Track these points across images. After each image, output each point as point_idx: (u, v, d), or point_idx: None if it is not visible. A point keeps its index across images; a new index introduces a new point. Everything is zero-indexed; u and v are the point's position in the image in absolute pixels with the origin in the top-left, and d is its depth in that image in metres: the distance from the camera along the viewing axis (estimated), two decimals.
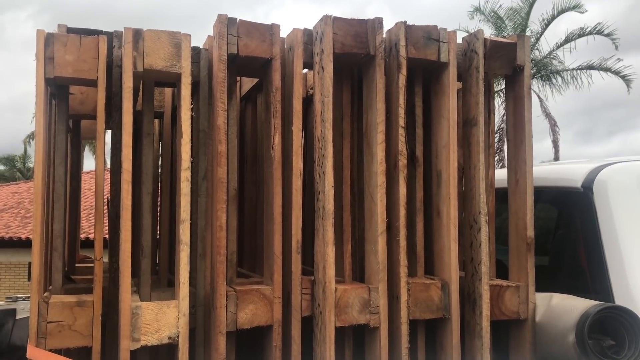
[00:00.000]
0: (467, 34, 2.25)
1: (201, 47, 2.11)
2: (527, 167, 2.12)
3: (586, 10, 17.91)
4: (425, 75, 2.18)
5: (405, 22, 2.03)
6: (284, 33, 2.09)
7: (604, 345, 1.80)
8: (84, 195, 13.75)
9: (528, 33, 17.88)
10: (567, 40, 17.90)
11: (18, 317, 3.45)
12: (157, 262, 2.73)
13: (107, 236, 2.30)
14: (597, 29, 17.41)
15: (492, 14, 18.69)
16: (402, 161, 2.00)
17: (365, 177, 2.06)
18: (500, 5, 18.60)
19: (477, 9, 18.67)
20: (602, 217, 2.05)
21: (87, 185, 14.24)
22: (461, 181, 2.25)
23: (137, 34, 1.83)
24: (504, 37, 3.71)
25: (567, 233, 2.36)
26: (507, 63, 2.16)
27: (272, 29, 2.00)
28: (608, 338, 1.82)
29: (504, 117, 15.23)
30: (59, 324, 1.80)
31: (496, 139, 14.07)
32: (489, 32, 17.78)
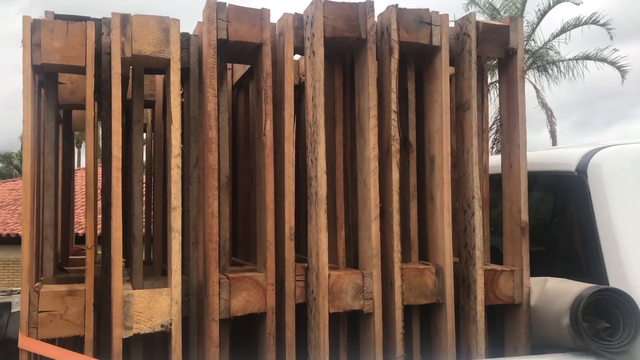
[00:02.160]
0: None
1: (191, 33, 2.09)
2: (521, 151, 2.11)
3: (582, 2, 17.88)
4: (417, 59, 2.16)
5: (396, 5, 2.01)
6: (276, 18, 2.07)
7: (598, 327, 1.79)
8: (82, 192, 13.72)
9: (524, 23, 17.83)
10: (563, 30, 17.87)
11: (13, 310, 3.44)
12: (152, 252, 2.71)
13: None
14: (592, 19, 17.38)
15: (487, 5, 18.63)
16: (395, 146, 1.99)
17: (358, 163, 2.05)
18: None
19: (472, 1, 18.61)
20: (596, 200, 2.04)
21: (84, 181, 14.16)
22: (454, 167, 2.24)
23: (125, 19, 1.81)
24: None
25: (561, 217, 2.35)
26: (500, 46, 2.14)
27: (262, 13, 1.98)
28: (602, 320, 1.81)
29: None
30: (51, 314, 1.78)
31: (493, 130, 14.03)
32: None
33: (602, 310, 1.82)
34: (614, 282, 1.91)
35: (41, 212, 2.01)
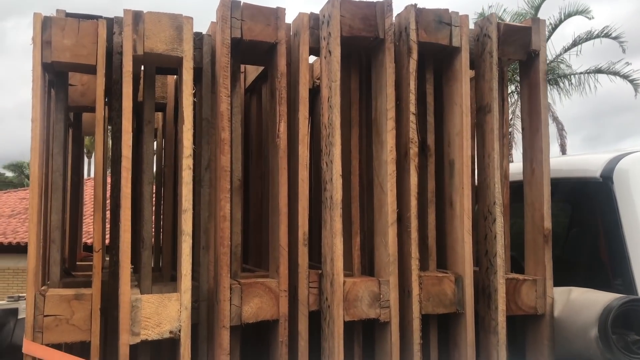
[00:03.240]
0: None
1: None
2: (544, 155, 2.03)
3: (592, 17, 17.75)
4: (436, 61, 2.10)
5: (415, 5, 1.96)
6: (291, 19, 2.02)
7: (628, 340, 1.71)
8: (91, 201, 13.73)
9: None
10: (575, 43, 17.74)
11: (20, 316, 3.38)
12: (161, 258, 2.66)
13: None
14: (604, 32, 17.25)
15: (497, 19, 18.56)
16: (413, 149, 1.92)
17: (374, 166, 1.98)
18: (505, 10, 18.43)
19: (482, 15, 18.58)
20: (623, 206, 1.96)
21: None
22: (474, 173, 2.17)
23: (137, 17, 1.77)
24: None
25: (585, 224, 2.27)
26: (521, 48, 2.08)
27: (278, 12, 1.93)
28: (632, 332, 1.73)
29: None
30: (56, 318, 1.73)
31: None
32: None
33: (631, 322, 1.74)
34: None
35: (49, 214, 1.96)
